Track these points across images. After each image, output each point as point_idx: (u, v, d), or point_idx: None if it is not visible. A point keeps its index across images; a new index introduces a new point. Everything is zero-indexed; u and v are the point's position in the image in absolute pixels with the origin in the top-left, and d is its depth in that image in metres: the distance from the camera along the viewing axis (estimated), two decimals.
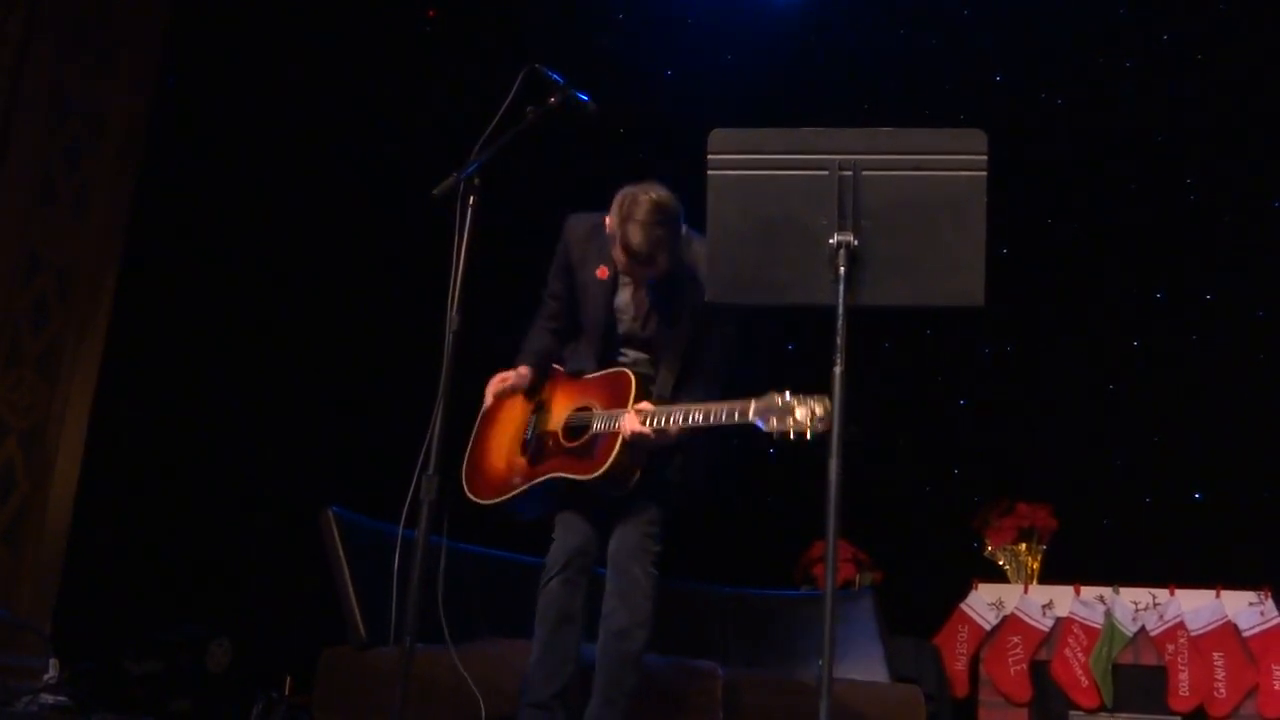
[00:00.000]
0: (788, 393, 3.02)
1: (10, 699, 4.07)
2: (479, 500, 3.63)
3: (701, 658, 4.49)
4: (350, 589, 4.38)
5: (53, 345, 4.95)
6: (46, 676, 4.16)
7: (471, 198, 3.17)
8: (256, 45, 5.87)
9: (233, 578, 5.66)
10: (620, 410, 3.40)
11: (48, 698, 4.09)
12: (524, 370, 3.67)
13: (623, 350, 3.61)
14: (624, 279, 3.60)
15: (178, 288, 5.63)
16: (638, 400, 3.40)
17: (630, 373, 3.50)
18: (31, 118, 4.91)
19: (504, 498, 3.57)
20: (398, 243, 5.95)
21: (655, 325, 3.55)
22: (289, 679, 5.14)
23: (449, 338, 3.08)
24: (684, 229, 3.49)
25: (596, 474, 3.38)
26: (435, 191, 3.20)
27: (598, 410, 3.48)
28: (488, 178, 3.21)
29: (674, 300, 3.52)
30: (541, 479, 3.49)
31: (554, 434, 3.55)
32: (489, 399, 3.67)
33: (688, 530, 6.13)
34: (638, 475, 3.41)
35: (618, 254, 3.47)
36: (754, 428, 3.09)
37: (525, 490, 3.53)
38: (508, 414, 3.71)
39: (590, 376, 3.60)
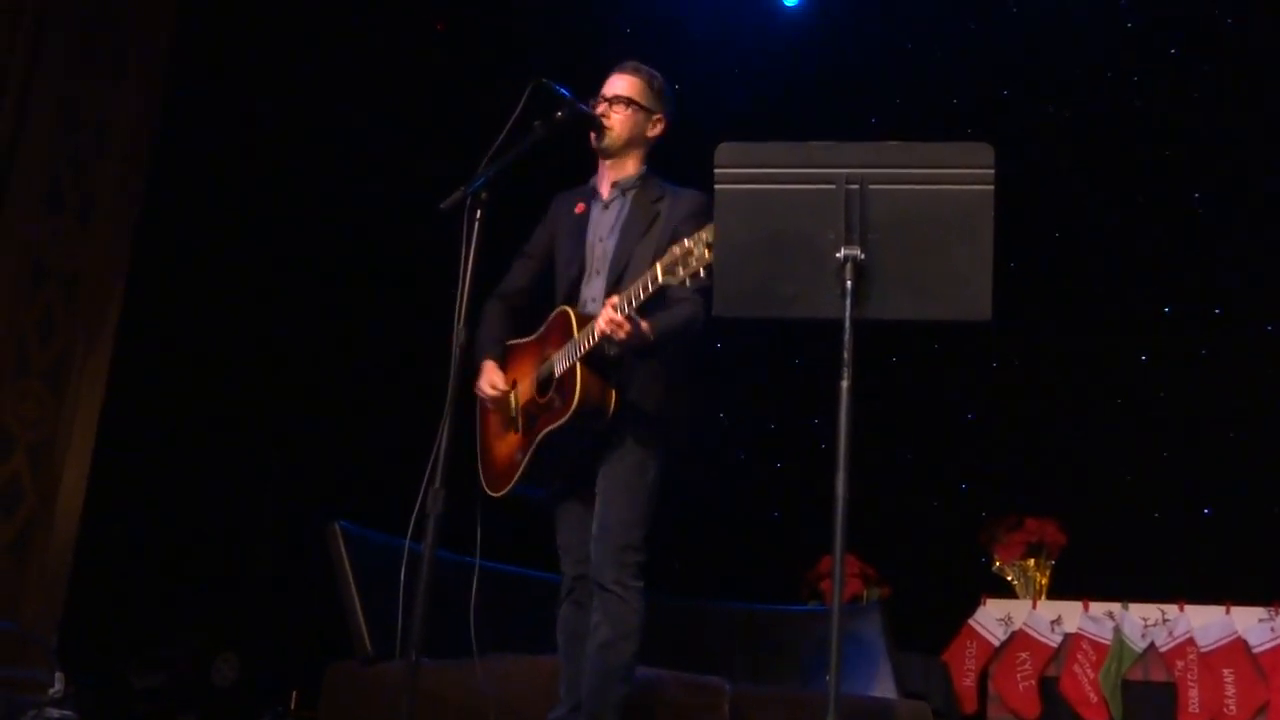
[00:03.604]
0: (685, 239, 3.02)
1: (16, 713, 4.06)
2: (498, 493, 3.61)
3: (708, 674, 4.47)
4: (356, 603, 4.38)
5: (60, 357, 4.94)
6: (52, 690, 4.14)
7: (478, 211, 3.17)
8: (264, 55, 5.88)
9: (239, 592, 5.65)
10: (570, 342, 3.38)
11: (53, 712, 4.08)
12: (487, 365, 3.64)
13: (587, 287, 3.58)
14: (596, 204, 3.64)
15: (185, 299, 5.63)
16: (580, 326, 3.38)
17: (565, 308, 3.50)
18: (39, 127, 4.91)
19: (515, 480, 3.54)
20: (405, 255, 5.95)
21: (621, 238, 3.55)
22: (295, 693, 5.14)
23: (456, 351, 3.08)
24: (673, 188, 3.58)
25: (571, 411, 3.33)
26: (442, 205, 3.21)
27: (553, 355, 3.47)
28: (494, 192, 3.21)
29: (642, 215, 3.55)
30: (535, 442, 3.47)
31: (531, 399, 3.54)
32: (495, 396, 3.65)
33: (695, 545, 6.17)
34: (614, 398, 3.36)
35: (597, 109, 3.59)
36: (667, 287, 3.12)
37: (529, 462, 3.49)
38: (497, 405, 3.69)
39: (539, 331, 3.60)
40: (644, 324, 3.25)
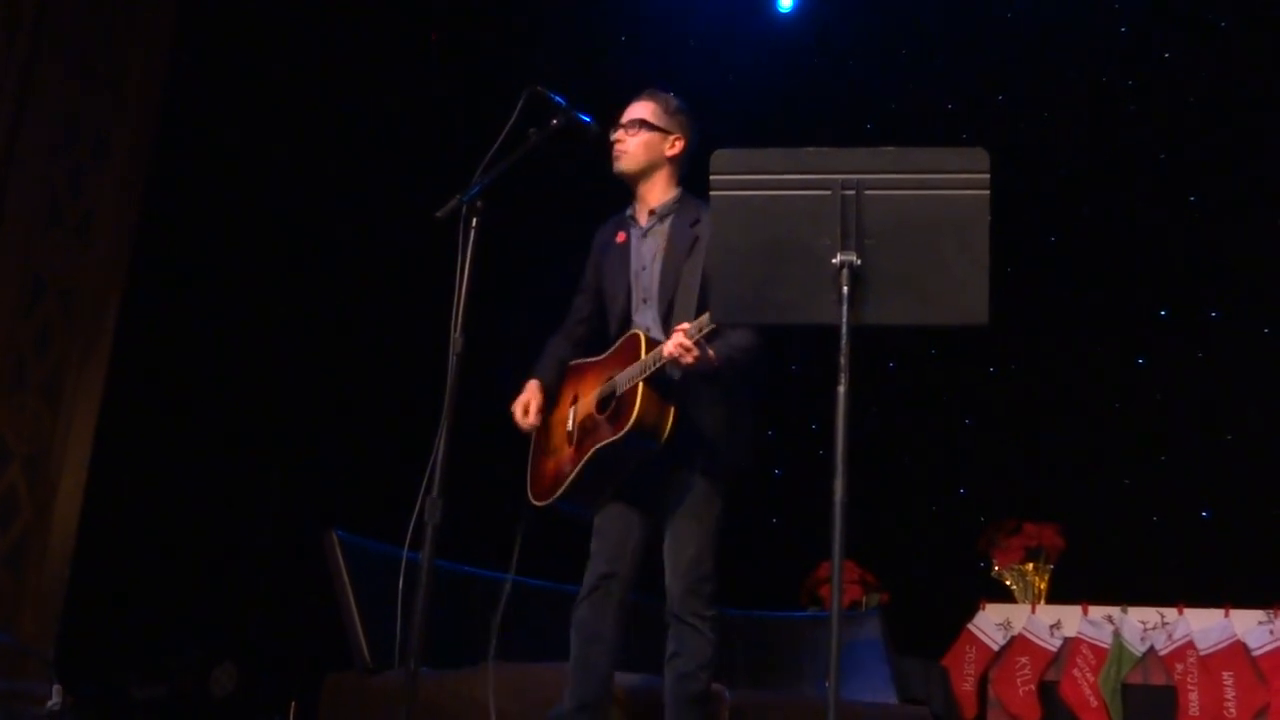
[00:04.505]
0: None
1: None
2: (541, 502, 3.65)
3: None
4: (355, 613, 4.37)
5: (56, 369, 4.94)
6: (50, 703, 4.13)
7: (474, 220, 3.17)
8: (261, 69, 5.89)
9: (237, 602, 5.65)
10: (638, 363, 3.45)
11: None
12: (531, 385, 3.72)
13: (639, 315, 3.65)
14: (636, 232, 3.68)
15: (182, 311, 5.63)
16: (649, 350, 3.44)
17: (637, 331, 3.57)
18: (36, 141, 4.91)
19: (561, 489, 3.58)
20: (402, 265, 5.96)
21: (665, 264, 3.60)
22: (293, 704, 5.13)
23: (453, 360, 3.07)
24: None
25: (627, 428, 3.39)
26: (438, 214, 3.21)
27: (618, 375, 3.53)
28: (490, 200, 3.22)
29: (682, 240, 3.59)
30: (587, 456, 3.52)
31: (590, 414, 3.58)
32: (526, 424, 3.70)
33: None
34: (670, 421, 3.42)
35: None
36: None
37: (578, 474, 3.54)
38: (555, 418, 3.75)
39: (608, 352, 3.65)
40: (710, 350, 3.33)
